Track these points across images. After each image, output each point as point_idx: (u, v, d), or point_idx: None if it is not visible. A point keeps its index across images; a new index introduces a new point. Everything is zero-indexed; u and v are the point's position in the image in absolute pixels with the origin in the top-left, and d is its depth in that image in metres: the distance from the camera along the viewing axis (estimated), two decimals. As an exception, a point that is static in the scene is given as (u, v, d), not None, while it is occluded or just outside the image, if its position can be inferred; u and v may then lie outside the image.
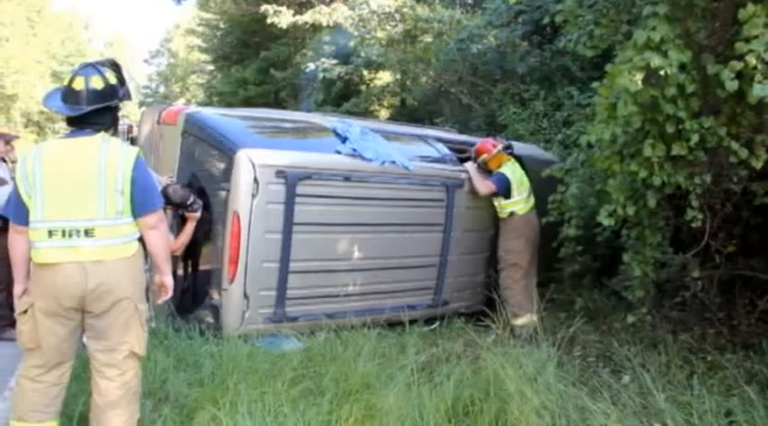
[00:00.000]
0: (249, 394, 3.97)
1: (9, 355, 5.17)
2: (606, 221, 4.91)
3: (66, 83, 3.41)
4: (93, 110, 3.36)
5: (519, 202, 6.24)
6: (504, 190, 6.21)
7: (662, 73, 4.03)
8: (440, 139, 6.91)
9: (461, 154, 6.79)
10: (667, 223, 5.23)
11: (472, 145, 6.77)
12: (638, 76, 4.06)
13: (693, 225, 4.66)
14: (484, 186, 6.24)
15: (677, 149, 4.32)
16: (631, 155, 4.69)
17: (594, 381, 4.58)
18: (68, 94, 3.38)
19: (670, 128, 4.29)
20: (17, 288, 3.48)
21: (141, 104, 37.34)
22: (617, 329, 5.80)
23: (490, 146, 6.42)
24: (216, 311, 5.21)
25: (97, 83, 3.38)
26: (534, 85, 10.11)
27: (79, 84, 3.36)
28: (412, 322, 5.62)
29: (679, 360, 4.92)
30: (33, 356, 3.39)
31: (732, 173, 4.78)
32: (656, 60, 4.00)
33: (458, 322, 6.20)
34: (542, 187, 6.37)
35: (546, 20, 6.58)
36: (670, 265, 5.68)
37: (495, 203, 6.33)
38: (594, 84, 5.04)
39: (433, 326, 6.09)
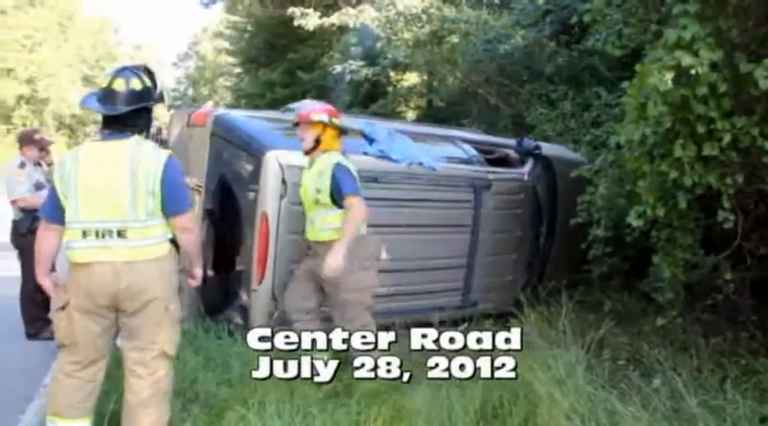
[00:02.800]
0: (277, 395, 3.98)
1: (45, 353, 5.29)
2: (636, 222, 4.84)
3: (105, 84, 3.48)
4: (131, 112, 3.44)
5: None
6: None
7: (693, 72, 3.97)
8: (467, 140, 6.88)
9: (488, 155, 6.76)
10: (698, 224, 5.15)
11: (500, 146, 6.74)
12: (669, 76, 4.01)
13: (725, 226, 4.59)
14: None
15: (708, 149, 4.25)
16: (662, 156, 4.63)
17: (624, 384, 4.50)
18: (108, 95, 3.45)
19: (701, 128, 4.22)
20: (43, 282, 3.58)
21: (170, 107, 37.67)
22: (647, 332, 5.73)
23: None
24: (244, 311, 5.24)
25: (136, 84, 3.47)
26: (562, 86, 10.03)
27: (119, 85, 3.44)
28: (440, 323, 5.61)
29: (711, 364, 4.83)
30: (69, 352, 3.46)
31: (765, 174, 4.69)
32: (686, 59, 3.94)
33: (486, 323, 6.17)
34: (571, 188, 6.32)
35: (574, 19, 6.53)
36: (701, 267, 5.59)
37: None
38: (623, 84, 4.99)
39: (460, 328, 6.06)
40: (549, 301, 5.99)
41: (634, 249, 6.42)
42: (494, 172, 6.41)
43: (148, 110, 3.60)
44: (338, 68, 13.94)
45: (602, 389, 4.24)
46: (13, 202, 6.14)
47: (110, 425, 3.69)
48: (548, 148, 7.25)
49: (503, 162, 6.97)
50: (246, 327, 5.14)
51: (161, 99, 3.65)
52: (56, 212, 3.41)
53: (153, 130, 13.64)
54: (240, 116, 5.95)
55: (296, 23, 14.66)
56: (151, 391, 3.44)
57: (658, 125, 4.40)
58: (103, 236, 3.32)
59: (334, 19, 14.07)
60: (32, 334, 6.12)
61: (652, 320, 5.55)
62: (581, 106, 9.54)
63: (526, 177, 6.78)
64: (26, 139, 6.57)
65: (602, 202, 5.88)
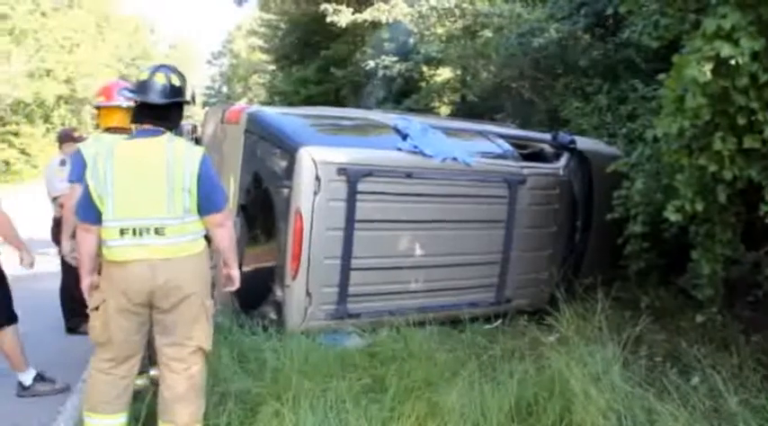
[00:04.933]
0: (311, 390, 4.00)
1: (84, 347, 5.38)
2: (674, 217, 4.75)
3: (145, 77, 3.52)
4: (168, 107, 3.50)
5: None
6: None
7: (733, 62, 3.87)
8: (501, 135, 6.83)
9: (523, 149, 6.70)
10: (738, 219, 5.03)
11: (534, 140, 6.67)
12: (708, 67, 3.92)
13: (767, 220, 4.48)
14: None
15: (749, 142, 4.14)
16: (700, 149, 4.53)
17: (662, 382, 4.43)
18: (146, 88, 3.49)
19: (741, 120, 4.12)
20: (84, 282, 3.60)
21: (205, 104, 38.18)
22: (685, 329, 5.62)
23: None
24: (279, 307, 5.28)
25: (174, 80, 3.53)
26: (597, 79, 9.86)
27: (160, 79, 3.50)
28: (474, 319, 5.58)
29: (752, 362, 4.73)
30: (104, 350, 3.51)
31: (809, 166, 4.57)
32: (726, 49, 3.85)
33: (520, 320, 6.13)
34: (607, 183, 6.23)
35: (609, 11, 6.43)
36: (741, 263, 5.47)
37: None
38: (660, 76, 4.89)
39: (495, 324, 6.03)
40: (585, 297, 5.93)
41: (672, 244, 6.31)
42: (528, 167, 6.35)
43: (181, 108, 3.65)
44: (371, 64, 13.93)
45: (639, 387, 4.20)
46: (54, 199, 6.27)
47: (146, 421, 3.73)
48: (583, 142, 7.15)
49: (537, 156, 6.90)
50: (280, 323, 5.19)
51: (193, 100, 3.71)
52: (90, 212, 3.44)
53: (188, 128, 13.87)
54: (274, 113, 5.99)
55: (329, 20, 14.72)
56: (187, 386, 3.47)
57: (697, 117, 4.30)
58: (141, 234, 3.35)
59: (367, 15, 14.10)
60: (71, 329, 6.25)
61: (690, 317, 5.45)
62: (616, 99, 9.38)
63: (561, 172, 6.70)
64: (66, 138, 6.73)
65: (639, 197, 5.78)
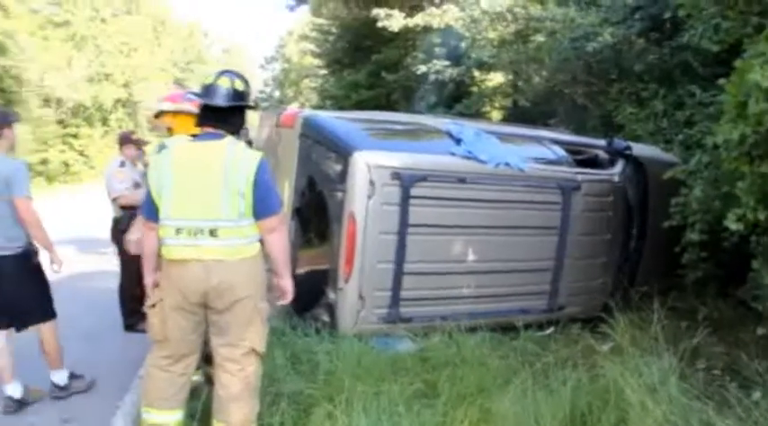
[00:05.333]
0: (364, 393, 4.02)
1: (142, 344, 5.50)
2: (734, 226, 4.63)
3: (210, 81, 3.61)
4: (230, 110, 3.57)
5: None
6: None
7: (799, 68, 3.79)
8: (555, 141, 6.77)
9: (577, 155, 6.63)
10: (803, 228, 4.90)
11: (589, 146, 6.58)
12: (772, 72, 3.83)
13: (833, 231, 4.35)
14: None
15: (815, 150, 4.04)
16: (762, 156, 4.42)
17: (721, 396, 4.32)
18: (211, 91, 3.57)
19: (807, 128, 4.02)
20: (147, 279, 3.70)
21: (256, 108, 38.60)
22: (744, 341, 5.47)
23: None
24: (331, 310, 5.31)
25: (238, 85, 3.60)
26: (653, 84, 9.67)
27: (225, 83, 3.57)
28: (526, 326, 5.53)
29: (818, 377, 4.59)
30: (162, 347, 3.59)
31: None
32: (792, 55, 3.76)
33: (573, 328, 6.06)
34: (663, 190, 6.12)
35: (666, 15, 6.31)
36: (805, 274, 5.31)
37: None
38: (720, 81, 4.78)
39: (547, 331, 5.97)
40: (641, 306, 5.82)
41: (731, 254, 6.16)
42: (583, 173, 6.28)
43: (244, 113, 3.71)
44: (422, 69, 13.92)
45: (696, 399, 4.09)
46: (114, 200, 6.44)
47: (202, 418, 3.80)
48: (639, 149, 7.04)
49: (592, 163, 6.81)
50: (333, 325, 5.23)
51: (255, 105, 3.78)
52: (153, 211, 3.54)
53: (244, 132, 14.07)
54: (328, 117, 6.04)
55: (380, 25, 14.76)
56: (241, 386, 3.52)
57: (759, 124, 4.19)
58: (195, 235, 3.42)
59: (419, 19, 14.09)
60: (129, 326, 6.39)
61: (751, 329, 5.31)
62: (673, 105, 9.18)
63: (616, 178, 6.60)
64: (125, 140, 6.91)
65: (697, 205, 5.65)
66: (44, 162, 25.31)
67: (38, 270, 4.72)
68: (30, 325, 4.72)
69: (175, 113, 4.81)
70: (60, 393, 4.87)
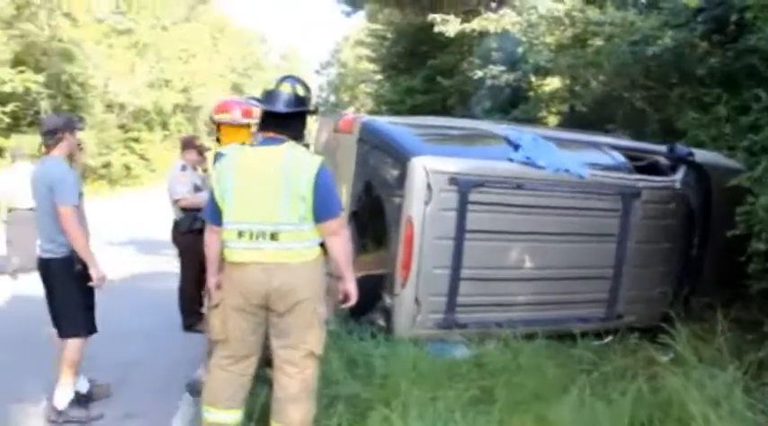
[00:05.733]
0: (420, 398, 4.03)
1: (198, 348, 5.63)
2: (803, 235, 4.50)
3: (272, 87, 3.66)
4: (291, 116, 3.63)
5: None
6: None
7: None
8: (614, 147, 6.66)
9: (637, 162, 6.51)
10: None
11: (649, 152, 6.46)
12: None
13: None
14: None
15: None
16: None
17: (789, 412, 4.21)
18: (274, 97, 3.63)
19: None
20: (210, 281, 3.78)
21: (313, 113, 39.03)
22: (815, 356, 5.30)
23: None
24: (387, 314, 5.32)
25: (299, 90, 3.66)
26: (715, 88, 9.45)
27: (287, 89, 3.63)
28: (583, 335, 5.46)
29: None
30: (223, 347, 3.66)
31: None
32: None
33: (632, 337, 5.94)
34: (727, 197, 5.97)
35: (732, 17, 6.14)
36: None
37: None
38: (790, 86, 4.64)
39: (605, 340, 5.87)
40: (703, 317, 5.69)
41: (800, 265, 5.97)
42: (643, 179, 6.16)
43: (305, 118, 3.77)
44: (478, 74, 13.88)
45: (762, 414, 3.98)
46: (176, 202, 6.60)
47: (259, 418, 3.86)
48: (701, 155, 6.87)
49: (653, 169, 6.67)
50: (389, 330, 5.25)
51: (316, 110, 3.83)
52: (216, 214, 3.62)
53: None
54: (386, 122, 6.06)
55: (436, 30, 14.74)
56: (299, 388, 3.57)
57: (831, 131, 4.07)
58: (257, 238, 3.48)
59: (475, 24, 14.04)
60: (188, 326, 6.54)
61: (822, 343, 5.13)
62: (737, 109, 8.92)
63: (678, 185, 6.45)
64: (188, 144, 7.10)
65: (764, 213, 5.49)
66: (107, 165, 26.02)
67: (80, 280, 4.54)
68: (61, 334, 4.61)
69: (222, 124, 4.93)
70: (56, 417, 4.55)
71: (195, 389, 4.72)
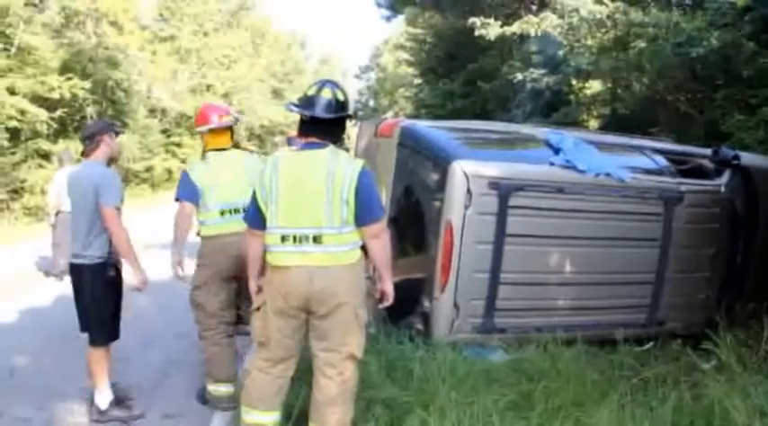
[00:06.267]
0: (458, 402, 4.02)
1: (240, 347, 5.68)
2: None
3: (311, 93, 3.68)
4: (332, 121, 3.65)
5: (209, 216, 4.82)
6: (184, 192, 4.81)
7: None
8: (657, 150, 6.57)
9: (681, 165, 6.42)
10: None
11: (693, 156, 6.35)
12: None
13: None
14: None
15: None
16: None
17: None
18: (314, 103, 3.64)
19: None
20: (252, 285, 3.82)
21: (352, 118, 39.26)
22: None
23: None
24: (426, 318, 5.33)
25: (340, 95, 3.68)
26: (763, 89, 9.26)
27: (327, 94, 3.65)
28: (624, 340, 5.39)
29: None
30: (263, 349, 3.69)
31: None
32: None
33: (674, 344, 5.86)
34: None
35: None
36: None
37: None
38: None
39: (646, 346, 5.79)
40: (748, 324, 5.57)
41: None
42: (686, 183, 6.06)
43: (344, 122, 3.80)
44: (519, 77, 13.78)
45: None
46: None
47: (297, 420, 3.90)
48: (747, 158, 6.73)
49: (697, 173, 6.56)
50: (427, 334, 5.25)
51: (355, 115, 3.85)
52: (257, 219, 3.66)
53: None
54: (426, 127, 6.08)
55: (476, 33, 14.68)
56: (338, 390, 3.58)
57: None
58: (300, 242, 3.51)
59: (516, 28, 13.93)
60: None
61: None
62: (785, 112, 8.77)
63: (723, 189, 6.33)
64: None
65: (811, 218, 5.38)
66: (149, 169, 26.50)
67: (111, 288, 4.56)
68: (89, 340, 4.61)
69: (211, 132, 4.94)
70: (99, 416, 4.60)
71: (204, 397, 4.86)
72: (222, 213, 4.73)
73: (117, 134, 4.87)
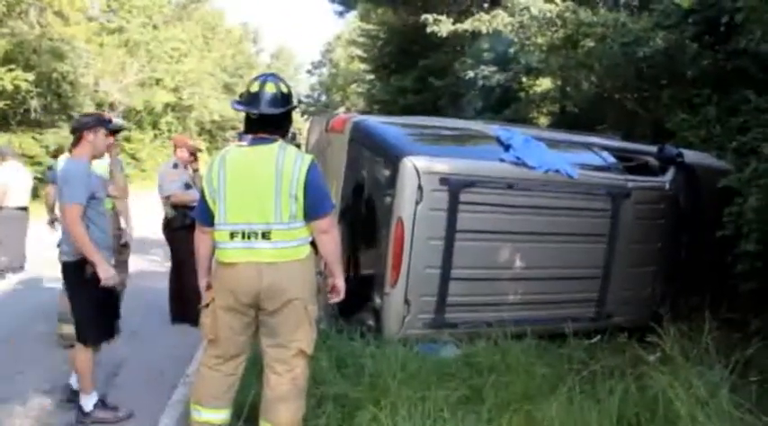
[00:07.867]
0: (409, 398, 4.02)
1: (190, 346, 5.62)
2: (791, 236, 4.52)
3: (253, 89, 3.62)
4: (277, 115, 3.60)
5: None
6: None
7: None
8: (605, 147, 6.69)
9: (627, 162, 6.54)
10: None
11: (639, 153, 6.48)
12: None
13: None
14: None
15: None
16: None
17: (775, 410, 4.22)
18: (258, 98, 3.58)
19: None
20: (201, 282, 3.77)
21: (304, 113, 39.12)
22: (801, 355, 5.32)
23: None
24: (377, 314, 5.33)
25: (284, 88, 3.64)
26: (706, 89, 9.46)
27: (272, 89, 3.60)
28: (573, 334, 5.47)
29: None
30: (213, 347, 3.66)
31: None
32: None
33: (620, 337, 5.96)
34: (716, 198, 6.00)
35: (723, 19, 6.16)
36: None
37: None
38: (779, 87, 4.67)
39: (593, 340, 5.89)
40: (691, 317, 5.70)
41: (786, 264, 6.00)
42: (633, 180, 6.19)
43: (291, 115, 3.77)
44: (470, 74, 13.89)
45: (749, 413, 3.99)
46: (167, 198, 6.64)
47: (248, 417, 3.85)
48: (691, 156, 6.91)
49: (643, 170, 6.71)
50: (378, 330, 5.25)
51: (299, 103, 3.81)
52: (206, 215, 3.62)
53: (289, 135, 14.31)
54: (378, 122, 6.07)
55: (429, 30, 14.72)
56: (288, 387, 3.56)
57: (820, 132, 4.09)
58: (249, 238, 3.48)
59: (468, 25, 13.99)
60: (176, 319, 6.60)
61: (809, 342, 5.16)
62: (726, 111, 8.94)
63: (667, 186, 6.50)
64: (180, 143, 7.14)
65: (752, 214, 5.52)
66: (97, 164, 25.89)
67: (91, 286, 4.34)
68: (77, 338, 4.51)
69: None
70: (83, 418, 4.50)
71: None
72: None
73: (112, 131, 4.78)
